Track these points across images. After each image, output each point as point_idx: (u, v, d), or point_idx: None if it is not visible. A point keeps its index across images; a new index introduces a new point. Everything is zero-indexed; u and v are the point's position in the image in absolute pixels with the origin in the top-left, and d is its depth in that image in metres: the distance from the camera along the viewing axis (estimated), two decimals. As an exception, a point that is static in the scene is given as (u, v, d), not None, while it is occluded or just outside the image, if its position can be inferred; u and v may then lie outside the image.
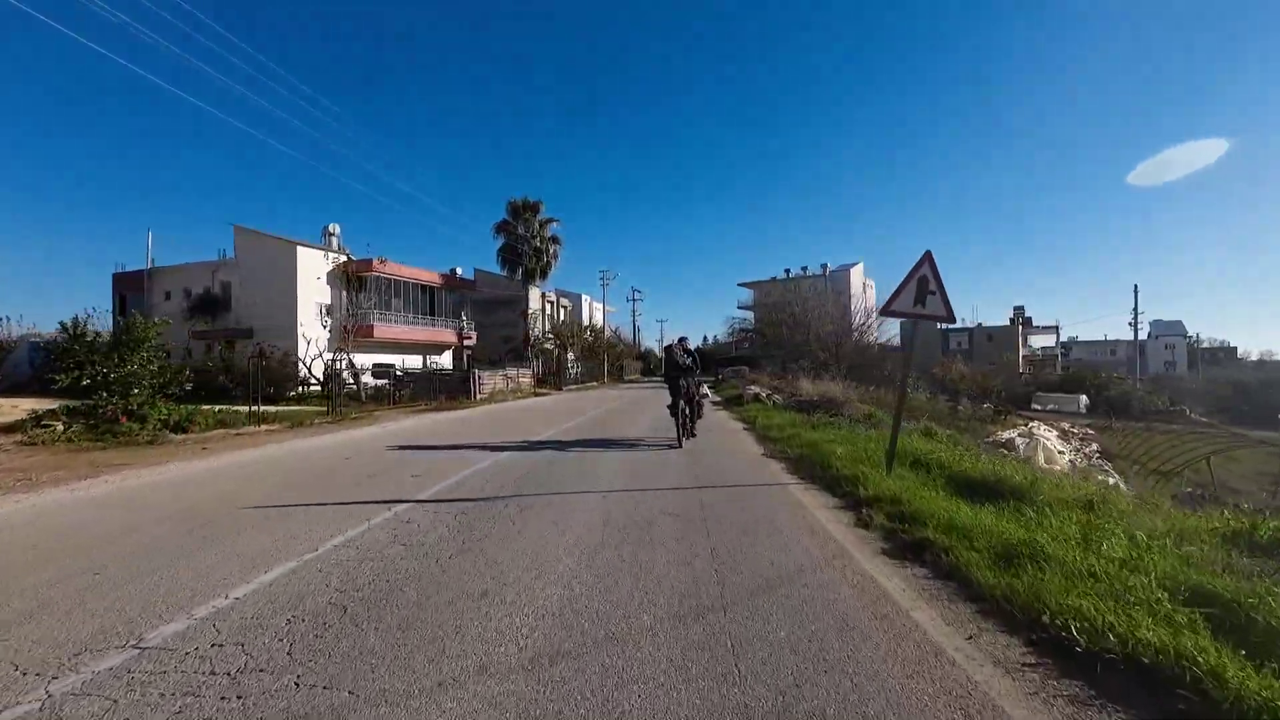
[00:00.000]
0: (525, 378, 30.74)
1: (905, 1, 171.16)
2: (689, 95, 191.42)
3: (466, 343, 25.15)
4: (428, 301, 34.11)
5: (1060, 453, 20.23)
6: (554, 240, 37.45)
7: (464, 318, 26.69)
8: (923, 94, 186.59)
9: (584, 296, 70.00)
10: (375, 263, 29.94)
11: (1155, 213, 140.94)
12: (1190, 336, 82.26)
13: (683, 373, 10.53)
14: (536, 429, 13.03)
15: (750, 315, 74.13)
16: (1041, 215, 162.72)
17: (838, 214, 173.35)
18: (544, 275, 37.33)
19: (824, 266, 76.81)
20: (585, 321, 58.26)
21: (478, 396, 23.72)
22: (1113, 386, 51.66)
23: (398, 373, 23.81)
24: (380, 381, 23.65)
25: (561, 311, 57.57)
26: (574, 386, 38.76)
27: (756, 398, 19.36)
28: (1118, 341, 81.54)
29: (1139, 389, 48.10)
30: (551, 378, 38.31)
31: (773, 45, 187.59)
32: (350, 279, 29.91)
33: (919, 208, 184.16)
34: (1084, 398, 50.65)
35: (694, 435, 10.91)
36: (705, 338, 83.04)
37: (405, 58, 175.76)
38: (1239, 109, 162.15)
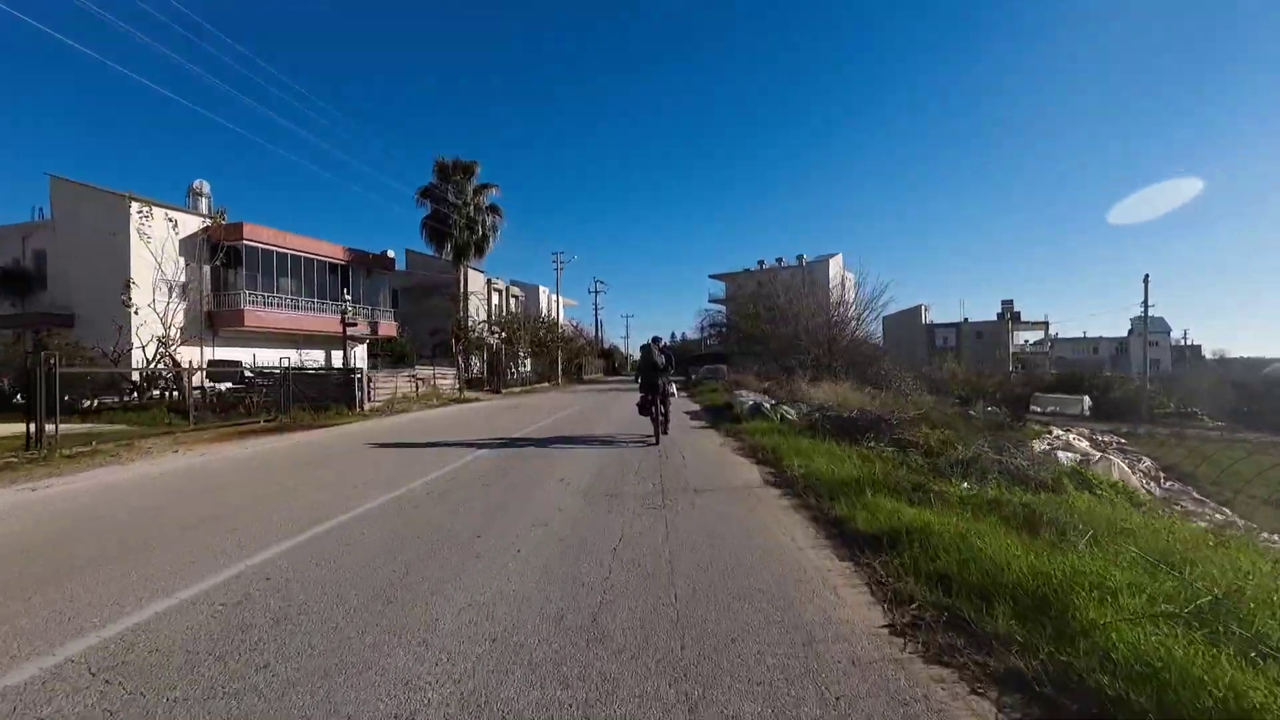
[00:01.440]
0: (446, 379, 23.98)
1: (888, 7, 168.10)
2: (657, 84, 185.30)
3: (353, 330, 18.28)
4: (336, 284, 27.09)
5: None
6: (493, 210, 30.54)
7: (347, 298, 19.74)
8: (902, 96, 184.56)
9: (541, 289, 63.44)
10: (248, 228, 22.81)
11: (1138, 231, 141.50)
12: (1179, 335, 79.98)
13: (658, 371, 10.43)
14: (388, 482, 6.64)
15: (722, 309, 68.92)
16: (1028, 212, 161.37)
17: (813, 207, 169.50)
18: (480, 253, 30.39)
19: (800, 258, 71.95)
20: (543, 314, 51.65)
21: (365, 406, 16.99)
22: (1117, 387, 47.65)
23: (246, 373, 16.88)
24: (226, 385, 16.76)
25: (512, 302, 50.82)
26: (518, 389, 32.10)
27: (758, 410, 13.17)
28: (1099, 339, 78.80)
29: (1150, 390, 43.86)
30: (491, 378, 31.57)
31: (749, 36, 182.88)
32: (215, 249, 22.75)
33: (897, 199, 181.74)
34: (1087, 399, 46.48)
35: (667, 433, 10.55)
36: (674, 334, 77.27)
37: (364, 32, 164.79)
38: (1213, 147, 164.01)
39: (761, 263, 72.07)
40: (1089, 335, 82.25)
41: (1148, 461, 21.63)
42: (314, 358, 25.39)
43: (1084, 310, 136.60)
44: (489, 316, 39.71)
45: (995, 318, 62.83)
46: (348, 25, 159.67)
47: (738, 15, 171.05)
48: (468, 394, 24.31)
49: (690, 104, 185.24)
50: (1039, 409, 42.22)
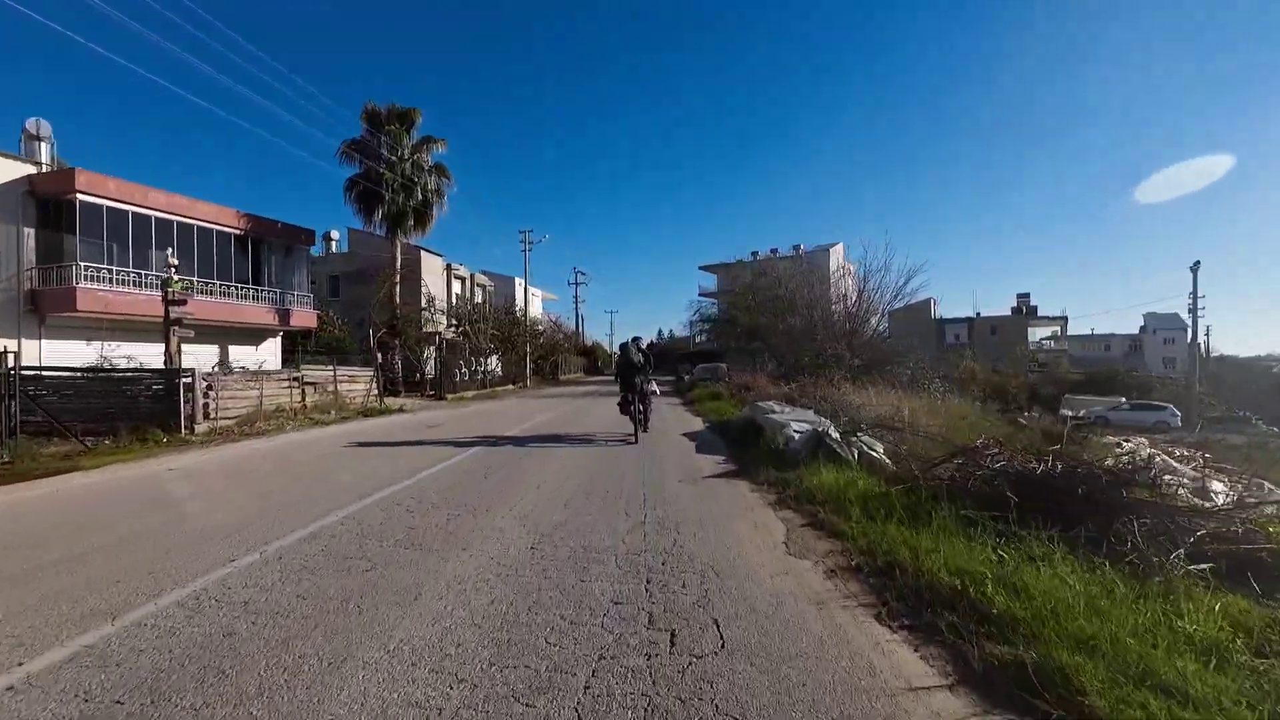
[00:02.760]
0: (359, 382, 18.01)
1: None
2: (654, 84, 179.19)
3: (179, 311, 12.19)
4: (234, 261, 21.10)
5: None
6: (437, 171, 24.45)
7: (174, 262, 13.56)
8: (902, 84, 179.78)
9: (517, 281, 57.40)
10: (84, 177, 16.74)
11: (1162, 222, 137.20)
12: (1201, 334, 75.25)
13: (637, 371, 10.57)
14: None
15: (714, 302, 63.53)
16: (1038, 201, 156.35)
17: (805, 202, 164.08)
18: (421, 224, 24.25)
19: (796, 247, 66.56)
20: (518, 306, 45.78)
21: (196, 427, 11.10)
22: (1158, 388, 42.92)
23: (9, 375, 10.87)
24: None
25: (479, 292, 44.82)
26: (472, 393, 26.18)
27: (820, 444, 7.47)
28: (1110, 336, 74.40)
29: (1200, 391, 38.97)
30: (430, 382, 25.60)
31: (745, 18, 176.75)
32: (46, 206, 16.77)
33: (899, 187, 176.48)
34: (1124, 401, 41.69)
35: (646, 430, 10.77)
36: (660, 331, 71.79)
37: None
38: (1245, 124, 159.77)
39: (755, 254, 66.65)
40: (1096, 333, 77.85)
41: (1268, 485, 16.40)
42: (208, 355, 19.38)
43: (1097, 306, 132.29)
44: (449, 306, 33.80)
45: (1009, 312, 57.93)
46: (350, 25, 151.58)
47: (734, 6, 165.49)
48: (391, 402, 18.38)
49: (684, 100, 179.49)
50: (1069, 412, 37.44)
